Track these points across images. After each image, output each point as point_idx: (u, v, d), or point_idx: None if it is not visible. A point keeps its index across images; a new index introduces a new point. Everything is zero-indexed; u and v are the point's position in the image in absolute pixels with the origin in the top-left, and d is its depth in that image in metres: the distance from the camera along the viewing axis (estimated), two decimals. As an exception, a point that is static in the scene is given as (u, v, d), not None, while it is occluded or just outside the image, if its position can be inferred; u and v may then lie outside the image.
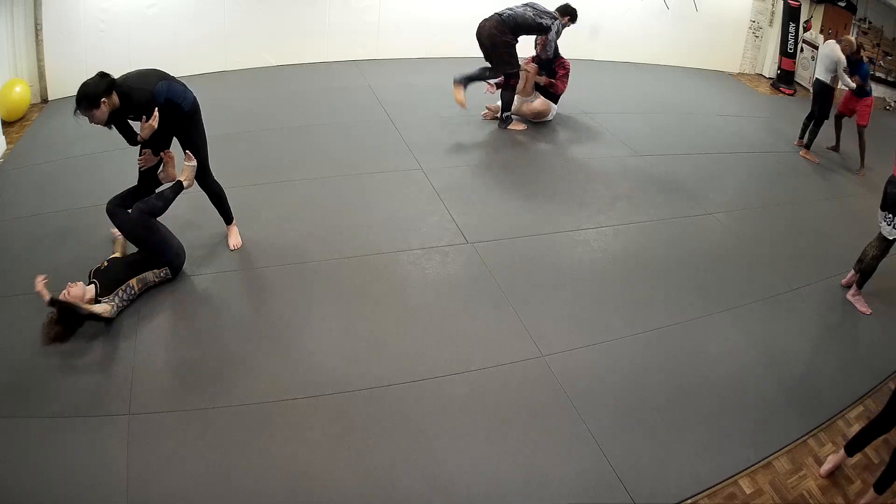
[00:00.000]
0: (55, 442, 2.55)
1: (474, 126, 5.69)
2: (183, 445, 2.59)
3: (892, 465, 2.58)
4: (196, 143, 3.48)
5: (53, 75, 5.64)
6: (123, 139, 3.31)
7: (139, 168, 3.48)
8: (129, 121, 3.27)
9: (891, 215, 3.69)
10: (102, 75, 3.08)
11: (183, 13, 6.08)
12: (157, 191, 3.48)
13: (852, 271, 4.03)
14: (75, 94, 3.07)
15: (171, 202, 3.40)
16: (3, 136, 4.90)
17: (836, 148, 6.36)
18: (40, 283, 2.95)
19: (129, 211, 3.31)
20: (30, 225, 3.90)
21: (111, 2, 5.70)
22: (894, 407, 2.65)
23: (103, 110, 3.07)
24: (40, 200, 4.15)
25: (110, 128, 3.23)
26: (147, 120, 3.20)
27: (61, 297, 2.97)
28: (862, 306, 3.91)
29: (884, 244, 3.78)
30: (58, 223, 3.90)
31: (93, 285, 3.14)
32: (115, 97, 3.10)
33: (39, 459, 2.48)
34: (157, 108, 3.21)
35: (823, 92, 5.92)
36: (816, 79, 5.97)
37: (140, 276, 3.27)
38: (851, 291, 3.97)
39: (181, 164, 3.48)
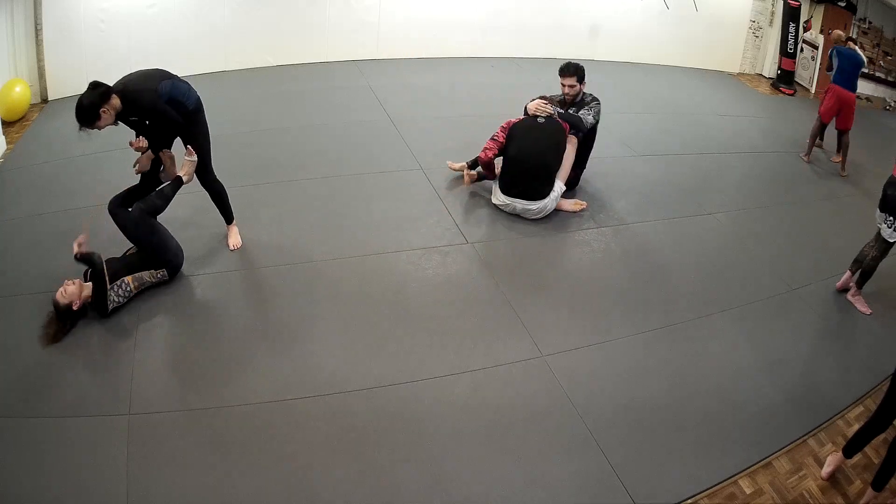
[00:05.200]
0: (55, 442, 2.55)
1: (474, 126, 5.67)
2: (183, 445, 2.60)
3: (887, 462, 2.58)
4: (199, 141, 3.48)
5: (53, 75, 5.63)
6: (131, 132, 3.31)
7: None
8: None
9: (891, 217, 3.68)
10: (94, 85, 3.04)
11: (183, 13, 6.08)
12: (157, 189, 3.48)
13: (847, 272, 4.02)
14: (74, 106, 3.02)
15: (171, 199, 3.40)
16: (3, 136, 4.90)
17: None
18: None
19: (130, 210, 3.31)
20: (30, 225, 3.90)
21: (111, 2, 5.69)
22: (888, 406, 2.66)
23: (105, 118, 3.06)
24: (40, 200, 4.15)
25: (117, 124, 3.22)
26: (137, 136, 3.21)
27: (57, 296, 2.99)
28: (862, 306, 3.91)
29: (883, 245, 3.77)
30: (58, 223, 3.89)
31: (90, 284, 3.14)
32: (115, 100, 3.07)
33: (39, 459, 2.48)
34: (143, 139, 3.23)
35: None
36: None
37: (136, 275, 3.27)
38: (852, 291, 3.97)
39: (181, 162, 3.48)
